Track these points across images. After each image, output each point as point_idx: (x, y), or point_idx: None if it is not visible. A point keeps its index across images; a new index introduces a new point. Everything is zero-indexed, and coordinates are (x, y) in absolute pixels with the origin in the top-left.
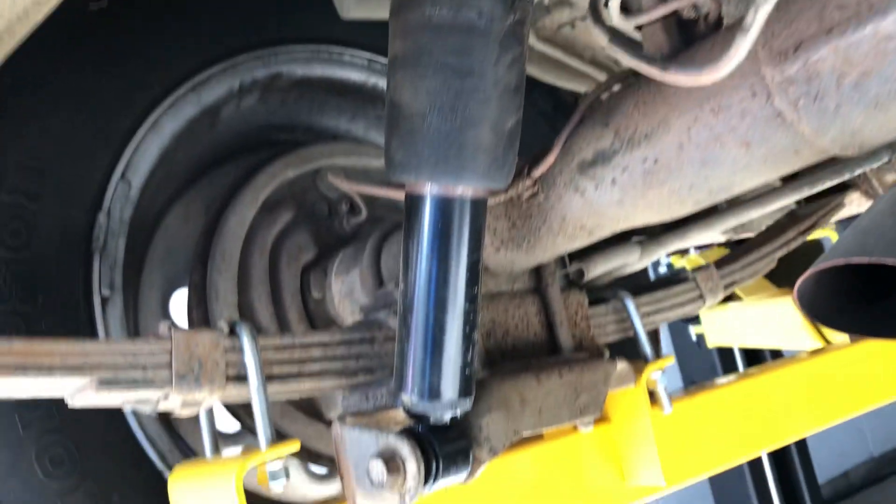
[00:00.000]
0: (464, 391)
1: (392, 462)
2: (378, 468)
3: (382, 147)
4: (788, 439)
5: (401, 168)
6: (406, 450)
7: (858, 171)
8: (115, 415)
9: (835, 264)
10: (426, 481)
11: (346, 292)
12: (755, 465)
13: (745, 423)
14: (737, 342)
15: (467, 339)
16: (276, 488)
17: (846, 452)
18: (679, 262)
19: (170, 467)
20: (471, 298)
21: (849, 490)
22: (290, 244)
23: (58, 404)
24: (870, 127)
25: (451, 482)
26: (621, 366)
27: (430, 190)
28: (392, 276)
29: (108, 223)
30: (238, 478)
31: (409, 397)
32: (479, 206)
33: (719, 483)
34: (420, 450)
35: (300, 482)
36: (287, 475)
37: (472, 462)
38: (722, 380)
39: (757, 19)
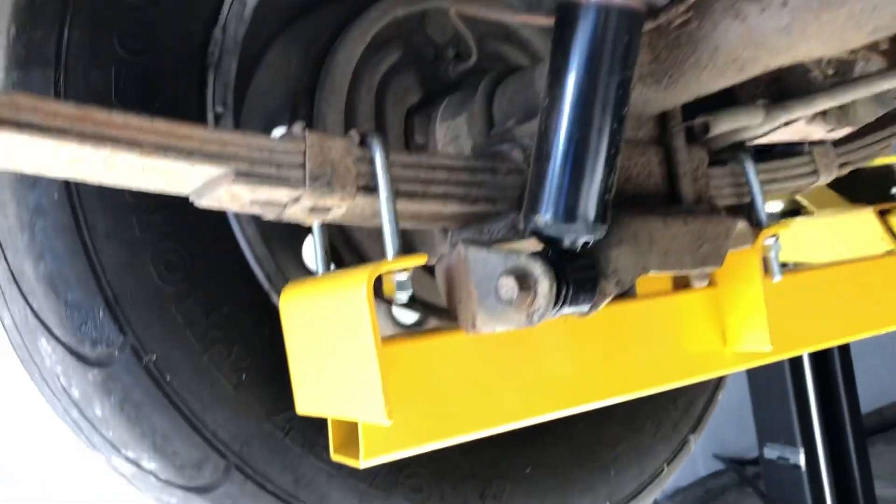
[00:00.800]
0: (601, 217)
1: (524, 280)
2: (509, 285)
3: None
4: (888, 328)
5: None
6: (539, 269)
7: None
8: (225, 230)
9: None
10: (553, 306)
11: (450, 138)
12: (799, 388)
13: (849, 305)
14: (807, 257)
15: (610, 163)
16: (401, 298)
17: (883, 390)
18: None
19: (276, 289)
20: (619, 119)
21: (881, 426)
22: (396, 85)
23: (173, 211)
24: None
25: (574, 311)
26: (741, 224)
27: None
28: (505, 118)
29: (224, 40)
30: (369, 282)
31: (544, 218)
32: (636, 20)
33: (762, 406)
34: (553, 272)
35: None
36: (412, 287)
37: (596, 294)
38: (829, 261)
39: None
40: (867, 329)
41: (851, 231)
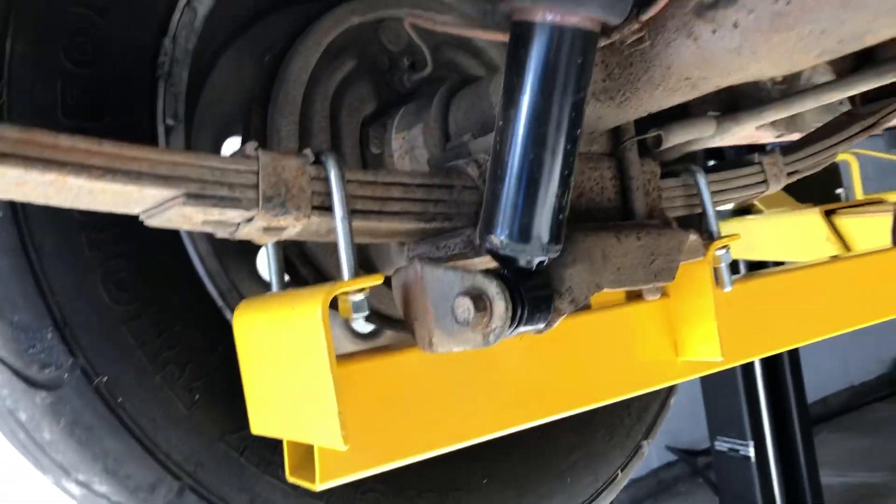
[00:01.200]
0: (555, 237)
1: (479, 301)
2: (465, 306)
3: (446, 2)
4: (835, 332)
5: None
6: (494, 289)
7: None
8: (177, 246)
9: None
10: (509, 326)
11: (406, 149)
12: (749, 383)
13: (797, 311)
14: (755, 255)
15: (564, 183)
16: (358, 318)
17: (827, 380)
18: None
19: (229, 306)
20: (573, 140)
21: (827, 415)
22: (352, 95)
23: (123, 228)
24: None
25: (530, 330)
26: (692, 237)
27: (544, 17)
28: (461, 131)
29: (174, 50)
30: (324, 306)
31: (499, 238)
32: (590, 41)
33: (713, 400)
34: (509, 292)
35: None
36: (368, 308)
37: (551, 313)
38: (778, 268)
39: None
40: (815, 334)
41: (798, 231)
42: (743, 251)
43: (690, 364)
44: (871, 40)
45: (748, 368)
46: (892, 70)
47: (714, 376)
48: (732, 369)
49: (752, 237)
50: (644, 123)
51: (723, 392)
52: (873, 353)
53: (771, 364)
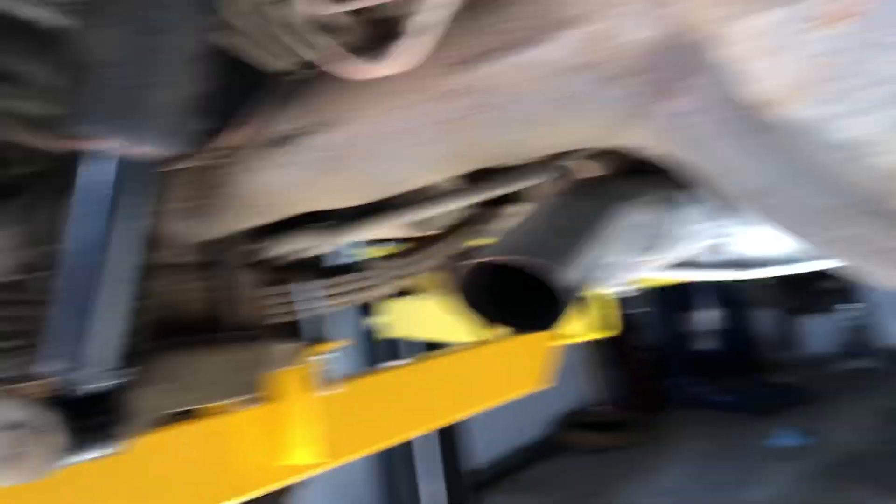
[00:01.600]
0: (120, 361)
1: (26, 434)
2: (9, 440)
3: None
4: (449, 420)
5: (76, 119)
6: (42, 421)
7: (527, 184)
8: None
9: (492, 262)
10: (64, 455)
11: None
12: (411, 454)
13: (412, 404)
14: (415, 335)
15: (126, 309)
16: None
17: (498, 441)
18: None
19: None
20: (133, 266)
21: (502, 472)
22: None
23: None
24: (524, 142)
25: (92, 456)
26: (285, 347)
27: (105, 146)
28: (41, 240)
29: None
30: None
31: (57, 365)
32: (152, 169)
33: (388, 474)
34: (60, 421)
35: None
36: None
37: (117, 436)
38: (390, 364)
39: (422, 26)
40: (432, 422)
41: (445, 314)
42: (404, 331)
43: (293, 467)
44: (409, 186)
45: (424, 442)
46: (514, 180)
47: (389, 450)
48: (407, 443)
49: (410, 318)
50: (258, 230)
51: (398, 463)
52: (537, 414)
53: (444, 434)
